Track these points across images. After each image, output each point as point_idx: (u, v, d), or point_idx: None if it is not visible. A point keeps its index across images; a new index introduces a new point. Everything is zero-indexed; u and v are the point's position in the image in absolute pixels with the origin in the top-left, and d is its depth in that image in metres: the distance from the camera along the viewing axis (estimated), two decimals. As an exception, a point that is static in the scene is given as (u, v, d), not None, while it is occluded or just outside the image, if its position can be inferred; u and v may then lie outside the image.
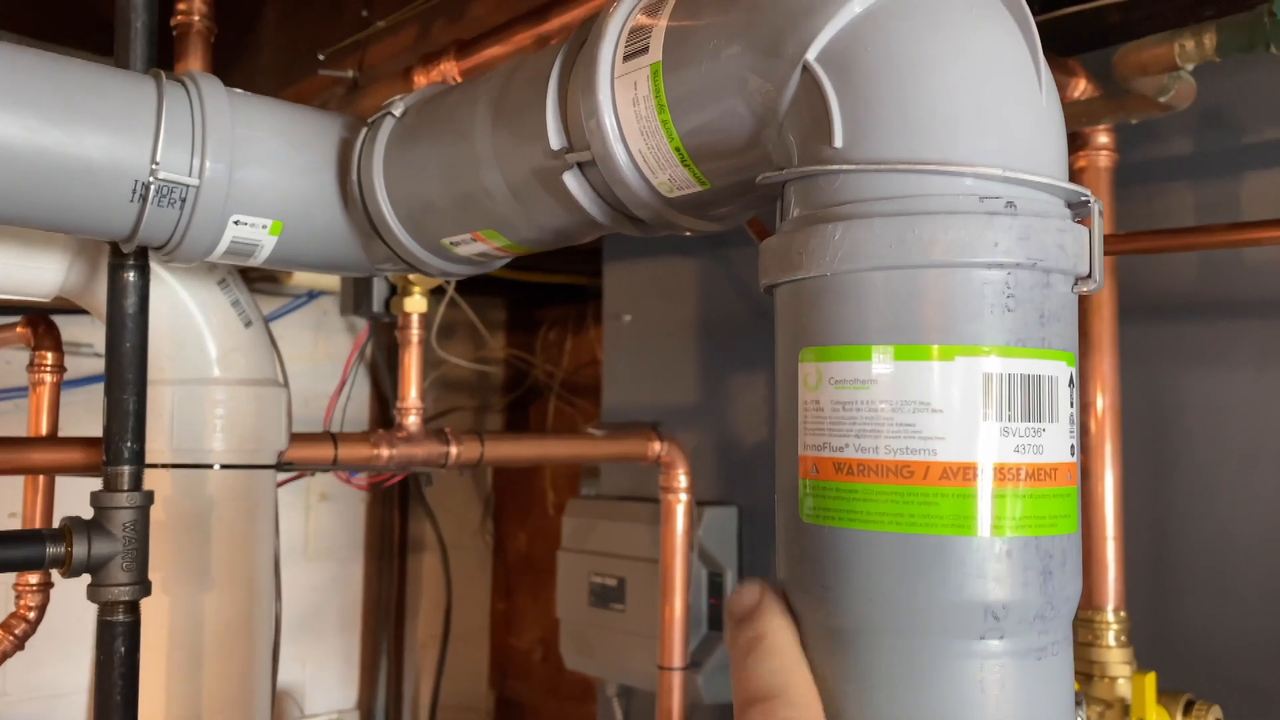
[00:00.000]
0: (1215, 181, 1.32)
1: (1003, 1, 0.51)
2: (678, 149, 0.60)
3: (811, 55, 0.50)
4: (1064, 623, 0.48)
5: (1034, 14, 1.40)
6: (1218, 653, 1.27)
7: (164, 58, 0.96)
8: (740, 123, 0.56)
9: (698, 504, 1.73)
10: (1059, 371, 0.48)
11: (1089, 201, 0.49)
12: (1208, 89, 1.22)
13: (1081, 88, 1.28)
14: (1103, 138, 1.28)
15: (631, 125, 0.62)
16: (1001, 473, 0.46)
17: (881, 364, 0.47)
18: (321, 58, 1.61)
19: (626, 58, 0.61)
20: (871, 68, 0.49)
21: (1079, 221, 0.50)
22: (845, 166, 0.48)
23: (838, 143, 0.49)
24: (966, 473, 0.46)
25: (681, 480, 1.68)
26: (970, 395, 0.46)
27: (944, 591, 0.46)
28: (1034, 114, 0.49)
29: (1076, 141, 1.29)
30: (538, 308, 2.90)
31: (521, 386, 2.93)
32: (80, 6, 2.02)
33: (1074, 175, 1.29)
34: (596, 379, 2.42)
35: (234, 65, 1.87)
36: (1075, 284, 0.49)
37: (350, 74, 1.60)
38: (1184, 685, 1.20)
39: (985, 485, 0.46)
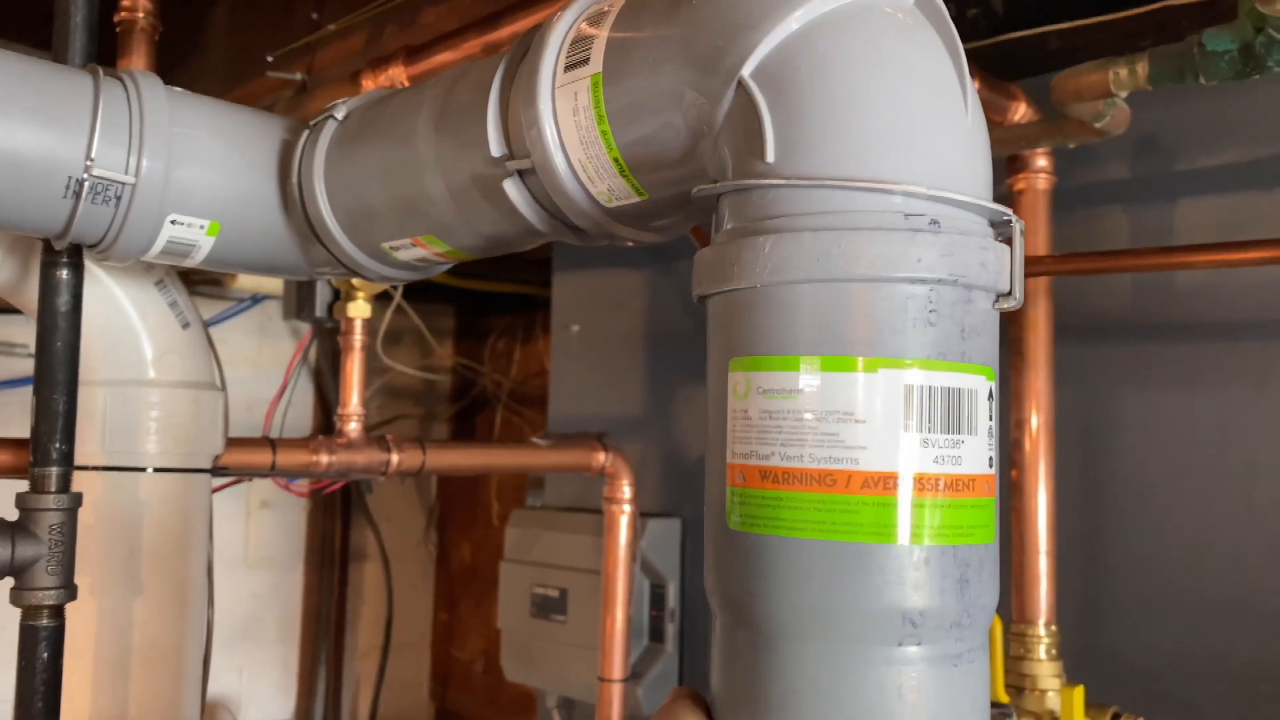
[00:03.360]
0: (1150, 206, 1.35)
1: (932, 25, 0.52)
2: (616, 160, 0.61)
3: (746, 72, 0.51)
4: (980, 631, 0.49)
5: (978, 39, 1.42)
6: (1145, 666, 1.30)
7: (107, 55, 0.95)
8: (677, 135, 0.57)
9: (641, 515, 1.73)
10: (979, 385, 0.49)
11: (1011, 221, 0.51)
12: (1144, 117, 1.25)
13: (1021, 112, 1.32)
14: (1041, 161, 1.31)
15: (571, 135, 0.62)
16: (921, 482, 0.47)
17: (808, 375, 0.48)
18: (270, 59, 1.59)
19: (568, 68, 0.62)
20: (804, 86, 0.50)
21: (1001, 240, 0.51)
22: (776, 181, 0.49)
23: (770, 158, 0.50)
24: (887, 482, 0.47)
25: (626, 491, 1.68)
26: (892, 406, 0.47)
27: (864, 598, 0.46)
28: (959, 135, 0.50)
29: (1016, 164, 1.32)
30: (486, 316, 2.88)
31: (468, 396, 2.91)
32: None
33: (1013, 197, 1.32)
34: (545, 389, 2.42)
35: (180, 65, 1.85)
36: (996, 300, 0.51)
37: (299, 76, 1.59)
38: (1112, 698, 1.23)
39: (905, 494, 0.47)
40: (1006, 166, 1.32)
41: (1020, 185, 1.31)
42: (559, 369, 2.06)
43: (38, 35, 1.98)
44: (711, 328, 0.53)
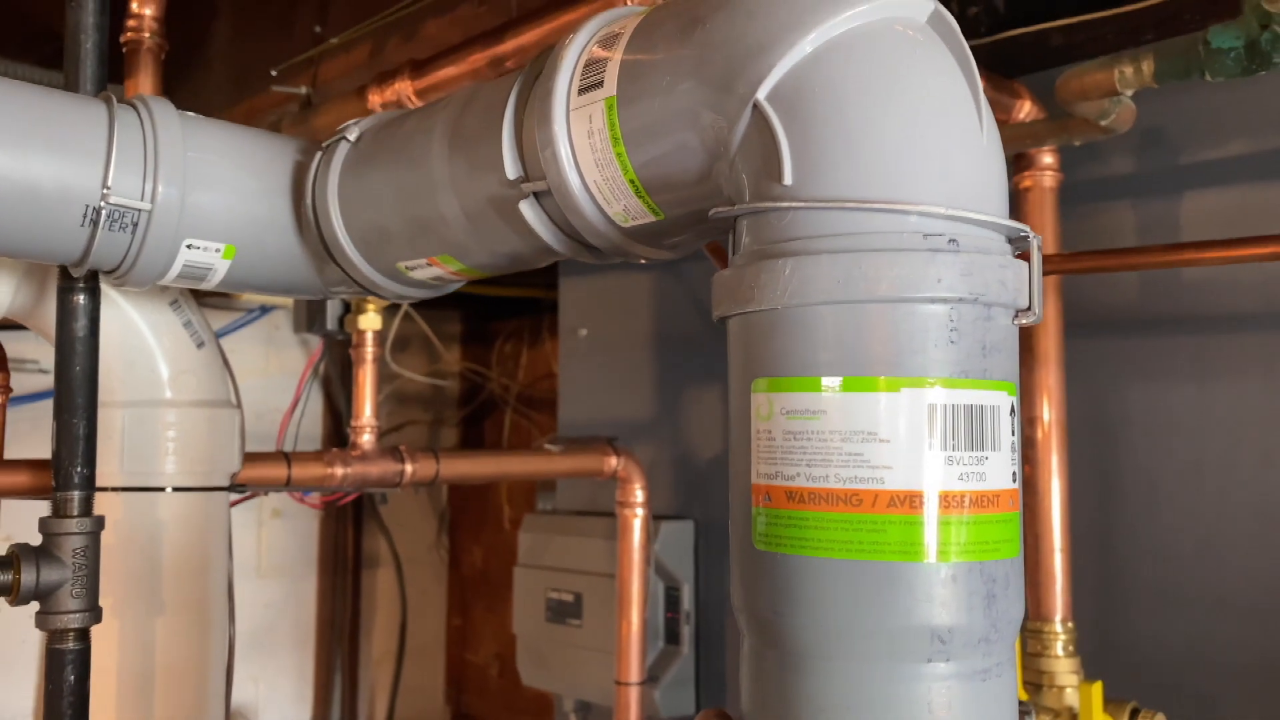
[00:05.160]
0: (1156, 200, 1.35)
1: (945, 44, 0.52)
2: (632, 181, 0.61)
3: (762, 94, 0.52)
4: (1008, 644, 0.50)
5: (980, 37, 1.42)
6: (1163, 660, 1.30)
7: (113, 73, 0.95)
8: (693, 156, 0.57)
9: (654, 518, 1.74)
10: (1001, 401, 0.49)
11: (1028, 237, 0.51)
12: (1149, 111, 1.26)
13: (1026, 110, 1.32)
14: (1047, 158, 1.31)
15: (586, 157, 0.63)
16: (946, 500, 0.47)
17: (831, 395, 0.48)
18: (274, 74, 1.60)
19: (581, 91, 0.62)
20: (820, 108, 0.50)
21: (1019, 255, 0.52)
22: (794, 204, 0.50)
23: (787, 180, 0.50)
24: (913, 500, 0.47)
25: (638, 495, 1.68)
26: (916, 425, 0.47)
27: (892, 616, 0.47)
28: (975, 154, 0.50)
29: (1022, 162, 1.32)
30: (493, 320, 2.89)
31: (477, 400, 2.92)
32: (26, 18, 1.99)
33: (1020, 195, 1.32)
34: (552, 392, 2.42)
35: (185, 80, 1.85)
36: (1016, 316, 0.51)
37: (303, 90, 1.59)
38: (1130, 693, 1.23)
39: (931, 512, 0.47)
40: (1012, 164, 1.33)
41: (1026, 183, 1.31)
42: (568, 373, 2.07)
43: (39, 53, 1.99)
44: (732, 348, 0.54)
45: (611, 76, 0.61)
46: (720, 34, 0.55)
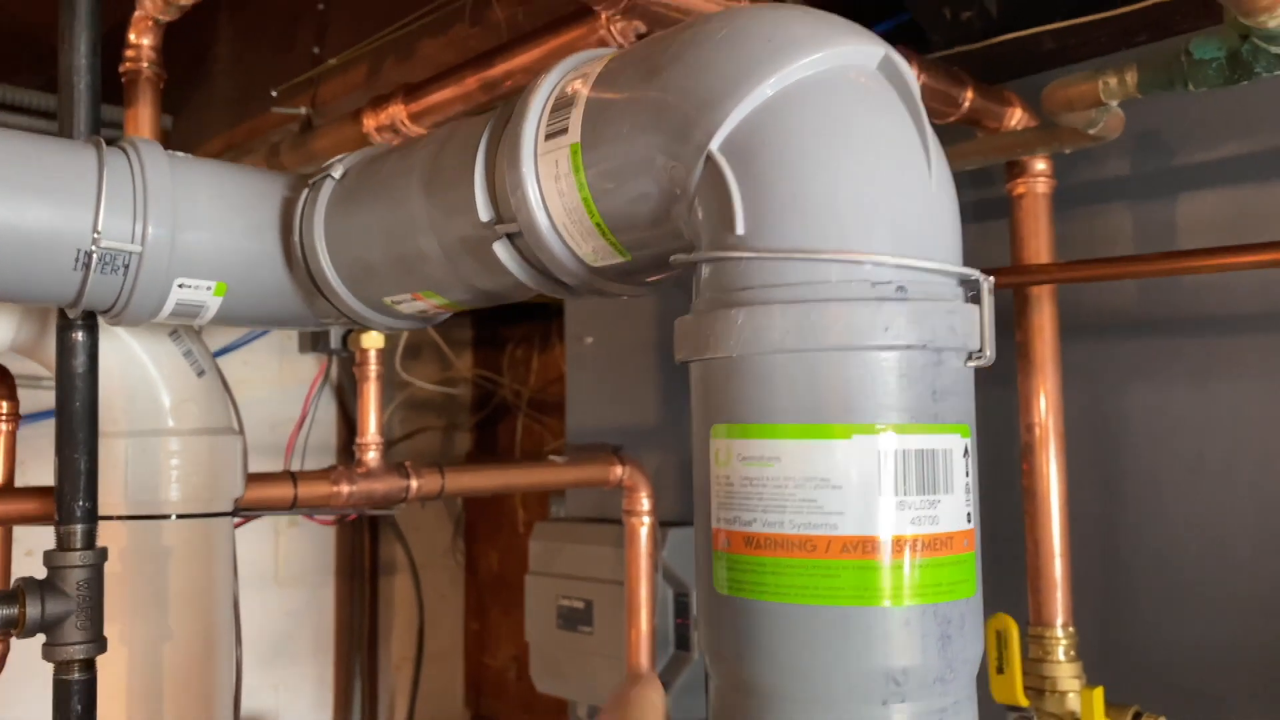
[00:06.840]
0: (1152, 203, 1.35)
1: (895, 91, 0.53)
2: (598, 224, 0.62)
3: (715, 145, 0.53)
4: (964, 684, 0.51)
5: (971, 42, 1.41)
6: (1166, 662, 1.31)
7: (114, 97, 0.96)
8: (653, 202, 0.59)
9: (661, 525, 1.75)
10: (953, 444, 0.50)
11: (979, 280, 0.52)
12: (1143, 114, 1.25)
13: (1018, 118, 1.32)
14: (1040, 165, 1.31)
15: (555, 200, 0.64)
16: (899, 545, 0.48)
17: (784, 442, 0.49)
18: (274, 94, 1.62)
19: (548, 136, 0.64)
20: (770, 159, 0.51)
21: (971, 298, 0.53)
22: (747, 254, 0.51)
23: (740, 230, 0.51)
24: (866, 546, 0.48)
25: (644, 503, 1.69)
26: (867, 471, 0.48)
27: (848, 660, 0.48)
28: (923, 201, 0.51)
29: (1015, 169, 1.32)
30: (504, 326, 2.91)
31: (489, 405, 2.94)
32: (23, 39, 2.01)
33: (1013, 202, 1.32)
34: (564, 396, 2.44)
35: (186, 101, 1.88)
36: (969, 359, 0.52)
37: (303, 110, 1.61)
38: (1133, 693, 1.23)
39: (884, 557, 0.48)
40: (1006, 171, 1.33)
41: (1020, 190, 1.31)
42: (574, 380, 2.08)
43: (45, 75, 2.01)
44: (693, 393, 0.55)
45: (576, 122, 0.62)
46: (676, 84, 0.56)
